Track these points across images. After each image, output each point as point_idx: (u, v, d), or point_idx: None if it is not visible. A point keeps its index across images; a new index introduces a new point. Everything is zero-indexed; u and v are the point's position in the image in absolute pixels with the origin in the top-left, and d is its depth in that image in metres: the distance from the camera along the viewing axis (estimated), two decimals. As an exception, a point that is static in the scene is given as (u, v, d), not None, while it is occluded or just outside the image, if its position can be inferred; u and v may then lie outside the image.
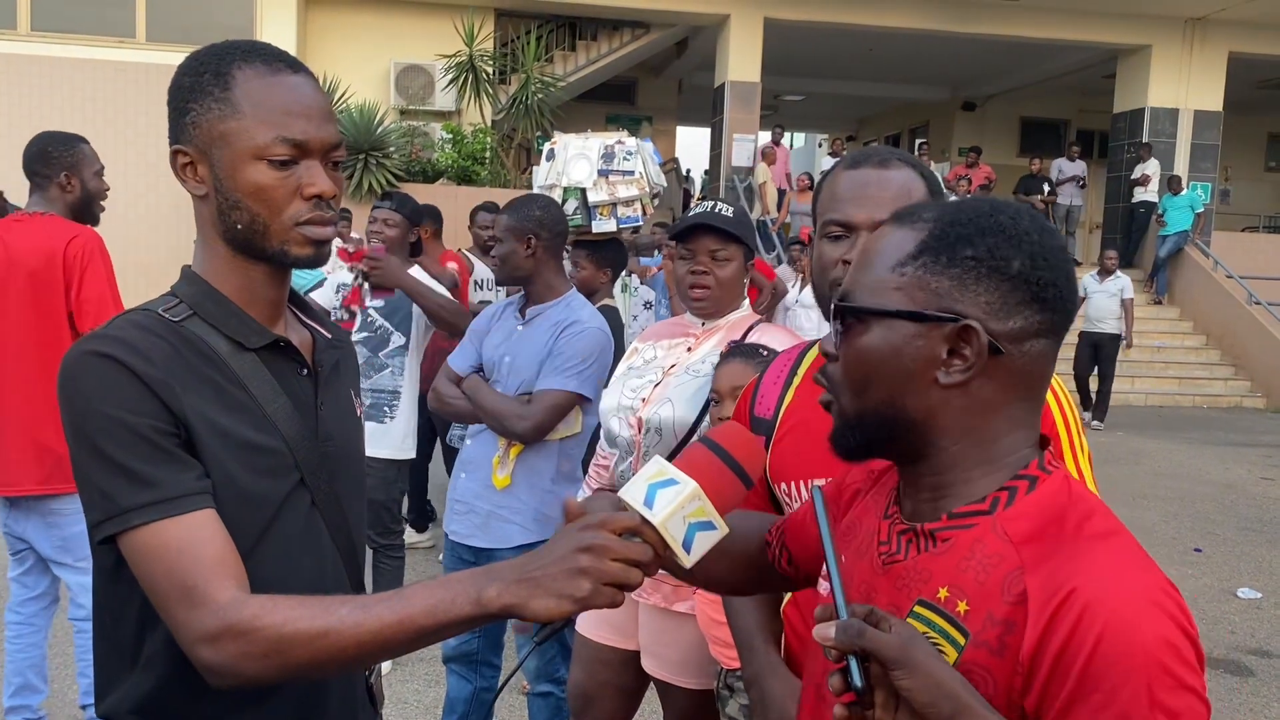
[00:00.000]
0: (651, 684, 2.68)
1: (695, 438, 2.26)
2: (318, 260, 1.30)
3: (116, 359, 1.17)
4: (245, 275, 1.31)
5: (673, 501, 1.10)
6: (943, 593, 1.03)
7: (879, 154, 1.66)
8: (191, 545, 1.15)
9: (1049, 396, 1.48)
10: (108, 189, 3.47)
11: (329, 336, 1.43)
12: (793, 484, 1.68)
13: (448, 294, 4.16)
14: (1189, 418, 12.28)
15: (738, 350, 2.37)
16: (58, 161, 3.30)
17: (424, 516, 5.71)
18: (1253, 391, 13.61)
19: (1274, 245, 16.54)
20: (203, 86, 1.25)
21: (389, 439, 4.12)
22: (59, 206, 3.31)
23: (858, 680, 0.93)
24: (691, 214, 2.65)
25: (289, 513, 1.29)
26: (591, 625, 2.73)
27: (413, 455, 4.35)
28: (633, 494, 1.12)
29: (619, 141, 3.75)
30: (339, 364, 1.43)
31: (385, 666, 4.19)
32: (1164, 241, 14.97)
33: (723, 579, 1.47)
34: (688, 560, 1.12)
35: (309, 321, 1.43)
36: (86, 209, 3.38)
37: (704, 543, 1.12)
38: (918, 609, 1.04)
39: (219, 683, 1.14)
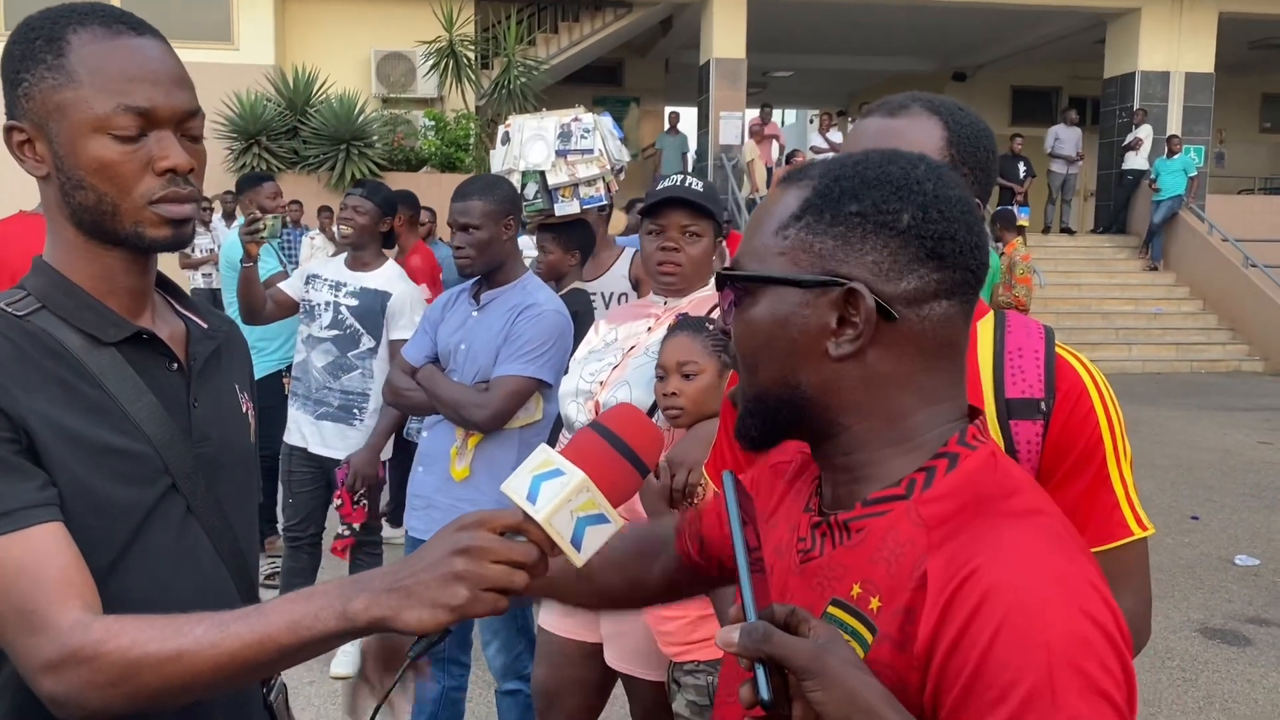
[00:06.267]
0: (619, 678, 2.58)
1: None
2: (178, 242, 1.18)
3: None
4: (99, 262, 1.19)
5: (558, 495, 0.99)
6: (856, 589, 0.92)
7: (894, 101, 1.49)
8: (31, 564, 1.03)
9: (1091, 395, 1.37)
10: None
11: (205, 326, 1.31)
12: None
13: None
14: (1187, 384, 12.15)
15: (685, 324, 2.26)
16: None
17: (400, 511, 5.61)
18: (1251, 355, 13.48)
19: (1270, 207, 16.38)
20: (35, 54, 1.13)
21: (359, 441, 4.01)
22: None
23: (764, 692, 0.82)
24: (661, 188, 2.53)
25: (158, 522, 1.17)
26: (554, 618, 2.63)
27: (385, 457, 4.24)
28: (515, 488, 1.01)
29: (575, 119, 3.62)
30: (219, 356, 1.31)
31: (348, 666, 4.09)
32: (1158, 207, 14.82)
33: (623, 585, 1.31)
34: (579, 559, 1.01)
35: (184, 311, 1.31)
36: None
37: (596, 538, 1.01)
38: (830, 610, 0.93)
39: (66, 716, 1.02)
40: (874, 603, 0.90)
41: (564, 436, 2.75)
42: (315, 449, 3.98)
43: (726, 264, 1.01)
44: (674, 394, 2.13)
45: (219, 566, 1.25)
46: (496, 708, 3.11)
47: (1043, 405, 1.38)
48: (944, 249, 0.93)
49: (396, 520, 5.59)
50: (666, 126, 16.68)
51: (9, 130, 1.15)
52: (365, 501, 3.87)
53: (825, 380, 0.94)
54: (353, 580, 1.01)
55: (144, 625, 1.01)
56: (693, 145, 16.77)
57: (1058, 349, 1.43)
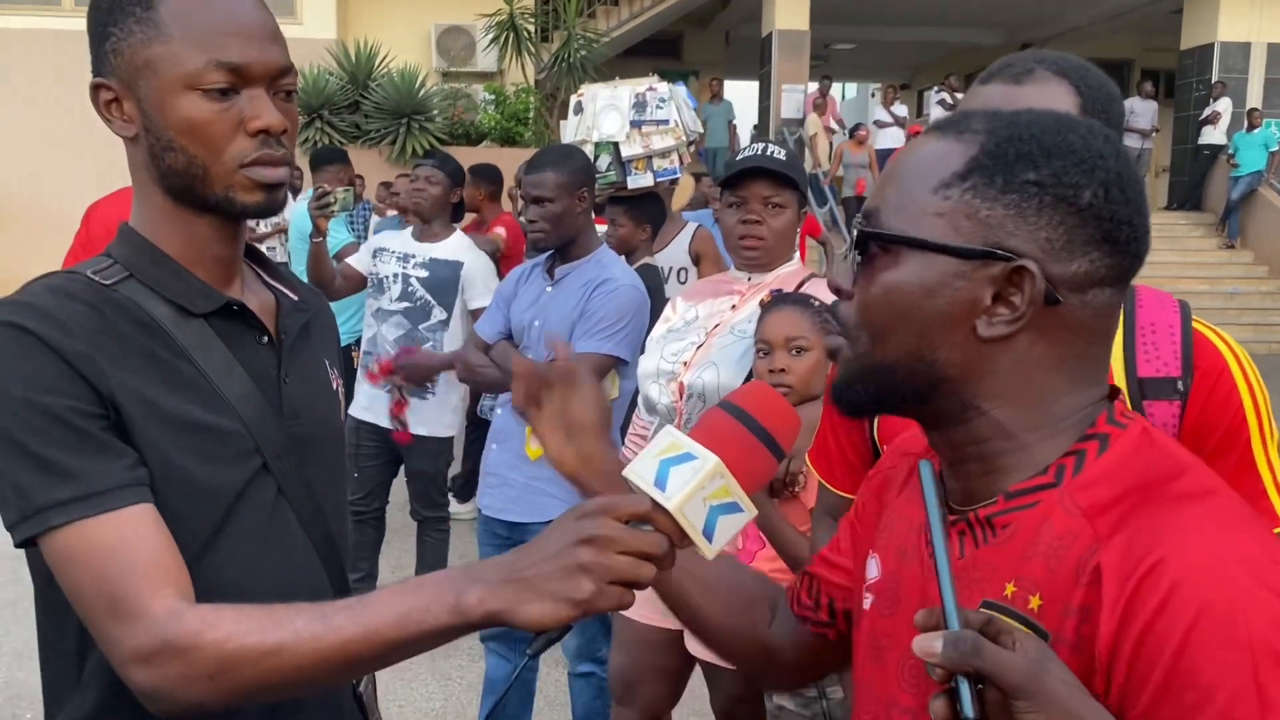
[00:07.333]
0: (697, 667, 2.51)
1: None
2: (270, 208, 1.12)
3: (26, 329, 1.00)
4: (188, 229, 1.12)
5: (690, 481, 0.91)
6: (1009, 588, 0.84)
7: (1019, 64, 1.36)
8: (122, 547, 0.97)
9: (1234, 373, 1.31)
10: None
11: (295, 299, 1.24)
12: None
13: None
14: (1266, 365, 11.63)
15: (788, 298, 2.15)
16: None
17: (471, 487, 5.58)
18: (1333, 337, 13.04)
19: (1355, 183, 15.76)
20: (123, 6, 1.06)
21: (429, 416, 3.97)
22: None
23: (969, 710, 0.74)
24: (741, 157, 2.42)
25: (249, 504, 1.11)
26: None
27: (454, 432, 4.20)
28: (642, 473, 0.93)
29: (650, 89, 3.52)
30: (309, 329, 1.24)
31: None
32: (1236, 183, 14.34)
33: (734, 627, 1.19)
34: (710, 551, 0.94)
35: (273, 282, 1.25)
36: None
37: (728, 528, 0.94)
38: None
39: (158, 709, 0.97)
40: (1034, 601, 0.83)
41: (639, 416, 2.67)
42: (386, 423, 3.96)
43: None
44: (782, 370, 2.04)
45: (310, 552, 1.19)
46: (569, 690, 3.05)
47: (1180, 384, 1.31)
48: (1120, 233, 0.85)
49: (464, 496, 5.58)
50: (709, 96, 16.25)
51: (96, 88, 1.09)
52: (399, 391, 3.89)
53: (966, 360, 0.86)
54: (466, 570, 0.94)
55: (241, 616, 0.95)
56: (753, 118, 16.47)
57: (1195, 324, 1.34)
